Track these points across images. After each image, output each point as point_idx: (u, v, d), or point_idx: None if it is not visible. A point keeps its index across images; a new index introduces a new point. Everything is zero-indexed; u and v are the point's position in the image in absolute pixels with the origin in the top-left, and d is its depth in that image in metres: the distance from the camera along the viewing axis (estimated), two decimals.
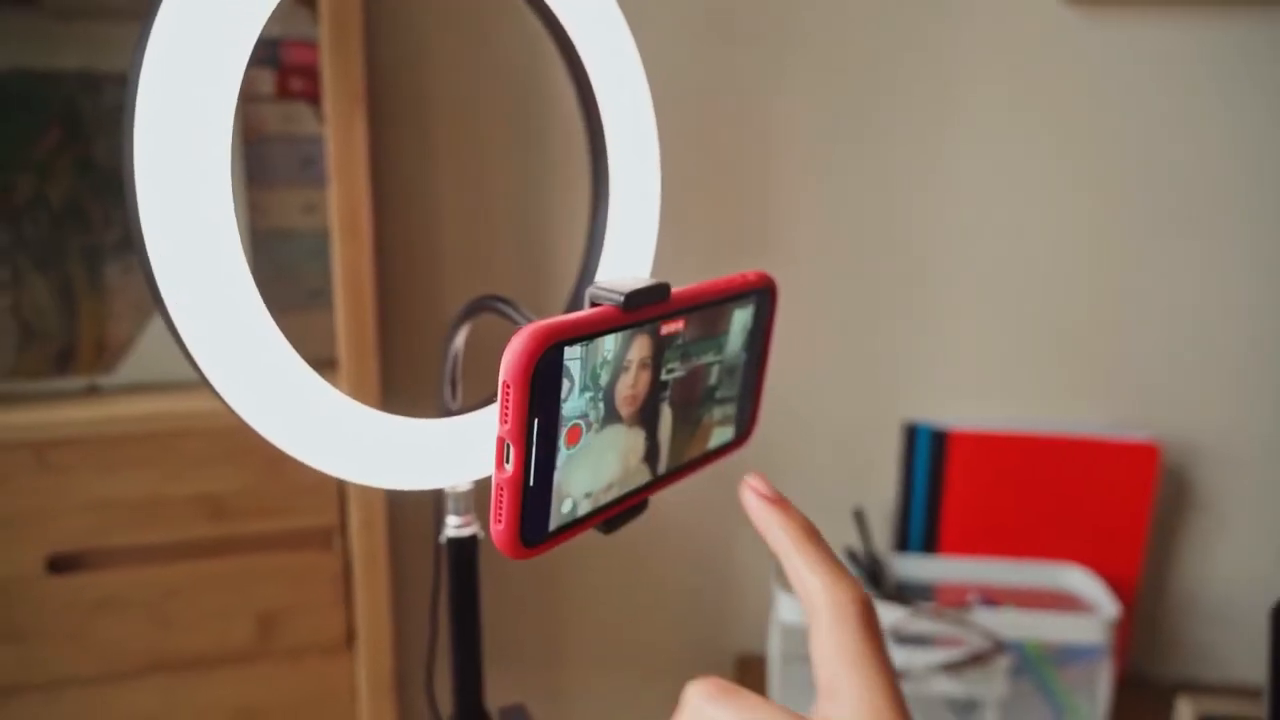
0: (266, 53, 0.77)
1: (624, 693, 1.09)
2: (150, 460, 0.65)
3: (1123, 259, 0.96)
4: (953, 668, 0.86)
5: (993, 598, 0.95)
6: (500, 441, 0.32)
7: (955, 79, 0.93)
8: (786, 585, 0.94)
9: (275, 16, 0.74)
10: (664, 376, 0.38)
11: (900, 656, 0.87)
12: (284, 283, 0.79)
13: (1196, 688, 0.90)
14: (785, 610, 0.89)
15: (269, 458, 0.66)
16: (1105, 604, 0.89)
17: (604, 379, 0.35)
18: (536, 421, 0.32)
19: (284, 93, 0.78)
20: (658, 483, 0.41)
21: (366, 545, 0.70)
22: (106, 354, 0.71)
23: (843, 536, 1.00)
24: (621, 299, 0.34)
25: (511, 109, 0.92)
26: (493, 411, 0.49)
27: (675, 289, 0.38)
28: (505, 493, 0.33)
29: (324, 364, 0.81)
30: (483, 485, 0.49)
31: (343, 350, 0.68)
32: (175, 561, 0.67)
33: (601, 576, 1.05)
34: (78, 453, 0.63)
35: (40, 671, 0.65)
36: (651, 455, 0.40)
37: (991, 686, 0.88)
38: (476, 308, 0.46)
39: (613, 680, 1.09)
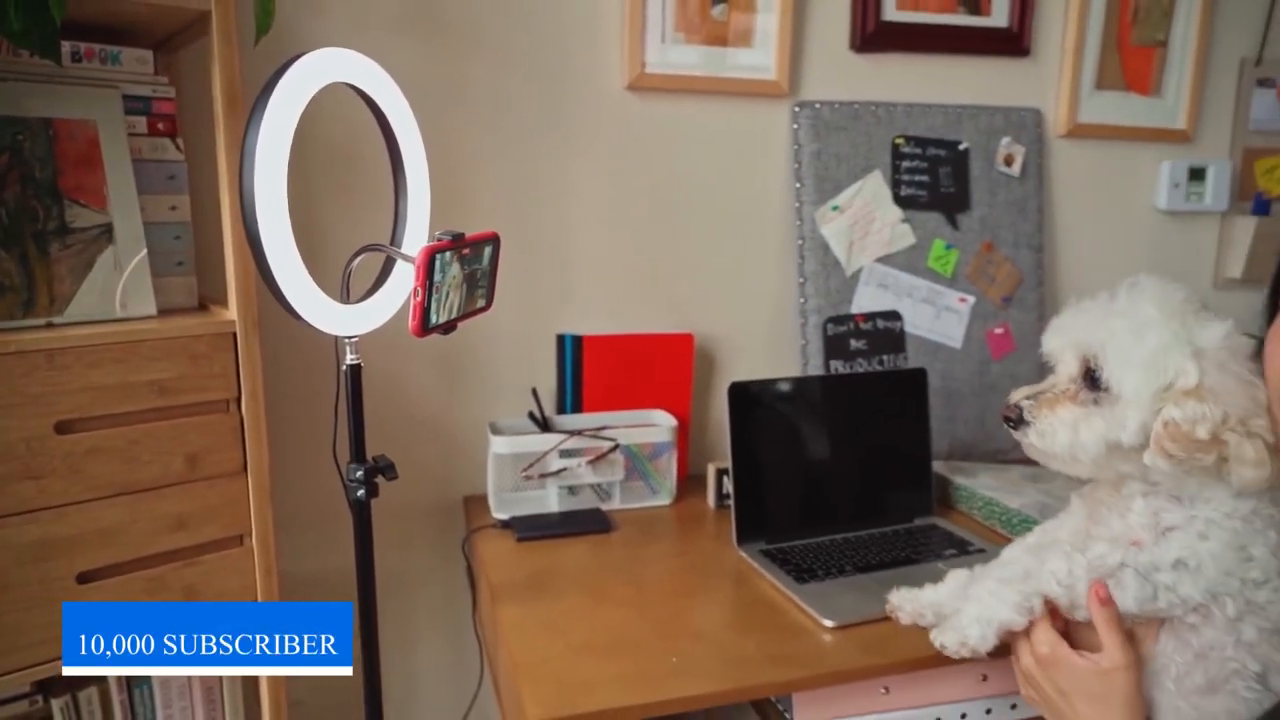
0: (140, 105, 1.18)
1: (394, 540, 1.59)
2: (119, 360, 1.04)
3: (673, 237, 1.65)
4: (591, 462, 1.52)
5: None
6: (414, 289, 0.88)
7: (572, 129, 1.57)
8: (497, 431, 1.53)
9: (144, 81, 1.21)
10: (466, 271, 0.96)
11: (562, 463, 1.51)
12: (161, 256, 1.20)
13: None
14: (497, 446, 1.48)
15: (193, 355, 1.12)
16: (669, 421, 1.61)
17: (447, 271, 0.92)
18: (427, 281, 0.89)
19: (153, 131, 1.19)
20: (459, 317, 0.99)
21: (252, 410, 1.15)
22: (57, 302, 1.08)
23: (525, 405, 1.61)
24: (451, 238, 0.92)
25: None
26: (364, 306, 1.02)
27: (467, 235, 0.95)
28: (416, 310, 0.89)
29: (188, 309, 1.21)
30: (365, 336, 1.02)
31: (234, 287, 1.13)
32: (136, 423, 1.06)
33: None
34: (74, 356, 1.01)
35: (51, 498, 1.00)
36: (461, 303, 0.98)
37: (614, 472, 1.55)
38: (365, 249, 0.99)
39: (388, 529, 1.58)
